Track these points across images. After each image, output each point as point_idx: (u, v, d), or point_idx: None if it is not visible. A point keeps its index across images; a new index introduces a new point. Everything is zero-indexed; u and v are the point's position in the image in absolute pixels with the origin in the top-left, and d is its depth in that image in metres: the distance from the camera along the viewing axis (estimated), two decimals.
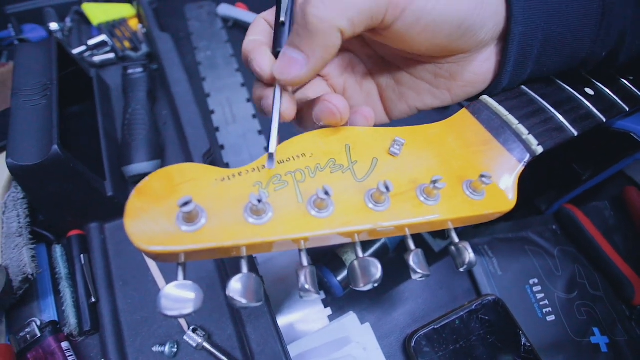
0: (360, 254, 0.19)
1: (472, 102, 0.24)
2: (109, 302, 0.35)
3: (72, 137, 0.40)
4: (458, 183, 0.21)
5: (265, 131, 0.51)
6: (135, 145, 0.42)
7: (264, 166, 0.19)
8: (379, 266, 0.19)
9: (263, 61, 0.20)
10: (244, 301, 0.17)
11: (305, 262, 0.19)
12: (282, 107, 0.20)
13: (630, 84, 0.27)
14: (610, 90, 0.26)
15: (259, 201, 0.17)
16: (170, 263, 0.18)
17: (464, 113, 0.24)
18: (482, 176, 0.19)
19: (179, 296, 0.16)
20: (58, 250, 0.37)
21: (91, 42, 0.54)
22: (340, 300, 0.37)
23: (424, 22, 0.19)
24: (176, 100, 0.43)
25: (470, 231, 0.41)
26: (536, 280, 0.37)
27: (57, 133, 0.32)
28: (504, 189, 0.21)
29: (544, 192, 0.42)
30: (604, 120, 0.24)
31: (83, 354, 0.34)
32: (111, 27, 0.57)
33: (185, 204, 0.16)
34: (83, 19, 0.59)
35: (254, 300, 0.17)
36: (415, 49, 0.21)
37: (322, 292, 0.38)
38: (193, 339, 0.33)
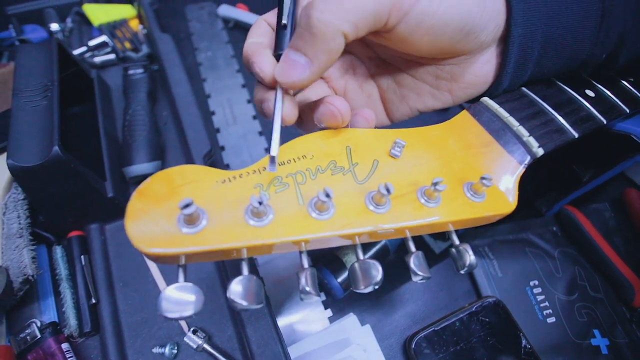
0: (361, 256, 0.19)
1: (472, 104, 0.24)
2: (109, 303, 0.35)
3: (73, 137, 0.40)
4: (459, 185, 0.21)
5: (266, 132, 0.51)
6: (136, 146, 0.42)
7: (264, 168, 0.19)
8: (380, 268, 0.19)
9: (264, 64, 0.20)
10: (244, 303, 0.17)
11: (305, 264, 0.19)
12: (283, 110, 0.20)
13: (631, 85, 0.27)
14: (611, 92, 0.26)
15: (260, 203, 0.17)
16: (170, 265, 0.18)
17: (464, 115, 0.24)
18: (482, 178, 0.19)
19: (180, 298, 0.16)
20: (58, 251, 0.37)
21: (92, 42, 0.54)
22: (341, 301, 0.37)
23: (427, 25, 0.19)
24: (177, 101, 0.43)
25: (470, 233, 0.41)
26: (536, 282, 0.37)
27: (58, 134, 0.32)
28: (504, 191, 0.21)
29: (545, 193, 0.42)
30: (605, 122, 0.24)
31: (83, 355, 0.33)
32: (112, 28, 0.57)
33: (186, 206, 0.16)
34: (84, 20, 0.59)
35: (254, 303, 0.17)
36: (418, 51, 0.21)
37: (322, 294, 0.38)
38: (193, 340, 0.33)
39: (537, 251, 0.39)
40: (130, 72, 0.49)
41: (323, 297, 0.38)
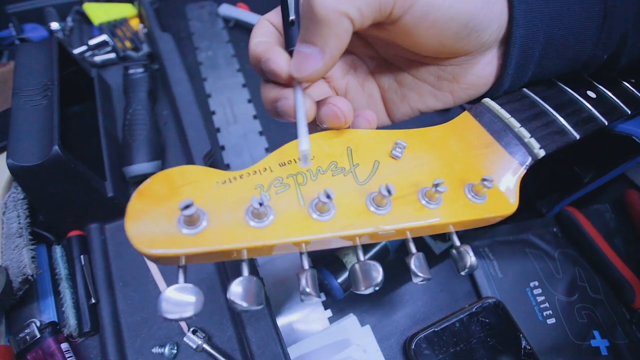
0: (362, 257, 0.19)
1: (474, 104, 0.24)
2: (109, 303, 0.35)
3: (73, 137, 0.40)
4: (460, 186, 0.20)
5: (266, 132, 0.51)
6: (136, 145, 0.42)
7: (265, 169, 0.19)
8: (380, 270, 0.18)
9: (280, 60, 0.20)
10: (244, 304, 0.17)
11: (306, 265, 0.19)
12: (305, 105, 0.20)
13: (632, 86, 0.27)
14: (612, 93, 0.26)
15: (261, 204, 0.17)
16: (170, 265, 0.18)
17: (465, 116, 0.24)
18: (484, 180, 0.19)
19: (180, 299, 0.16)
20: (58, 250, 0.37)
21: (92, 42, 0.54)
22: (341, 302, 0.37)
23: (432, 17, 0.19)
24: (177, 101, 0.43)
25: (470, 233, 0.41)
26: (537, 283, 0.37)
27: (58, 133, 0.32)
28: (505, 193, 0.21)
29: (545, 194, 0.42)
30: (606, 123, 0.24)
31: (83, 355, 0.33)
32: (112, 27, 0.57)
33: (187, 207, 0.16)
34: (84, 19, 0.59)
35: (254, 304, 0.17)
36: (421, 48, 0.21)
37: (322, 294, 0.38)
38: (193, 340, 0.33)
39: (538, 252, 0.39)
40: (131, 71, 0.49)
41: (323, 298, 0.38)
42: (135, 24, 0.59)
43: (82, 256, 0.37)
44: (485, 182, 0.19)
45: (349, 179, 0.20)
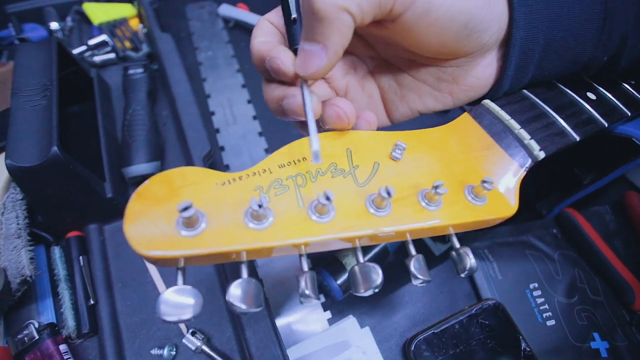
0: (361, 259, 0.19)
1: (474, 106, 0.24)
2: (108, 304, 0.35)
3: (72, 137, 0.40)
4: (460, 188, 0.20)
5: (266, 133, 0.51)
6: (135, 146, 0.42)
7: (264, 170, 0.19)
8: (380, 272, 0.18)
9: (286, 58, 0.20)
10: (243, 307, 0.17)
11: (305, 267, 0.19)
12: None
13: (632, 88, 0.27)
14: (612, 95, 0.26)
15: (260, 206, 0.17)
16: (169, 267, 0.18)
17: (465, 117, 0.24)
18: (484, 182, 0.19)
19: (178, 302, 0.16)
20: (57, 251, 0.37)
21: (92, 42, 0.54)
22: (340, 303, 0.37)
23: (433, 15, 0.19)
24: (177, 101, 0.43)
25: (470, 235, 0.41)
26: (536, 285, 0.37)
27: (57, 134, 0.32)
28: (505, 195, 0.21)
29: (545, 196, 0.42)
30: (606, 125, 0.24)
31: (81, 357, 0.33)
32: (112, 27, 0.57)
33: (185, 209, 0.16)
34: (84, 19, 0.59)
35: (253, 306, 0.17)
36: (421, 47, 0.21)
37: (321, 296, 0.38)
38: (192, 342, 0.32)
39: (537, 254, 0.39)
40: (130, 71, 0.49)
41: (322, 299, 0.37)
42: (135, 24, 0.59)
43: (80, 257, 0.36)
44: (485, 184, 0.19)
45: (348, 180, 0.20)
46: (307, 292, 0.18)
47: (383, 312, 0.37)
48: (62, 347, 0.32)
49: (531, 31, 0.21)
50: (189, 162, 0.38)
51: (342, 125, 0.21)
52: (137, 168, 0.41)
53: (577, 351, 0.34)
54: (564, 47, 0.22)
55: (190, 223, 0.17)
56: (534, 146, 0.21)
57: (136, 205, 0.17)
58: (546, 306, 0.36)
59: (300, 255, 0.19)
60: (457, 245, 0.20)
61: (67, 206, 0.36)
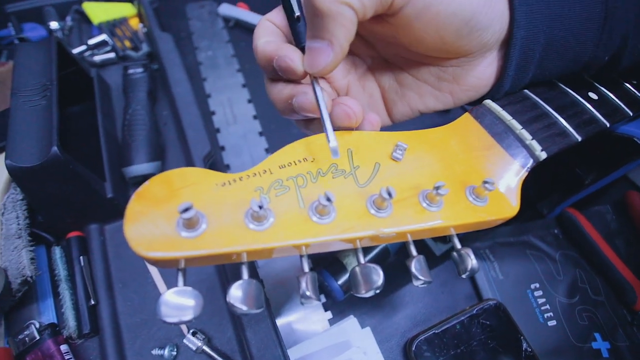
0: (362, 260, 0.19)
1: (475, 106, 0.24)
2: (109, 304, 0.35)
3: (72, 137, 0.40)
4: (461, 189, 0.20)
5: (266, 132, 0.50)
6: (136, 146, 0.42)
7: (265, 171, 0.19)
8: (381, 273, 0.18)
9: (294, 56, 0.20)
10: (244, 308, 0.16)
11: (306, 268, 0.19)
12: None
13: (634, 88, 0.27)
14: (614, 95, 0.26)
15: (260, 207, 0.17)
16: (170, 268, 0.18)
17: (466, 117, 0.23)
18: (485, 182, 0.19)
19: (179, 303, 0.16)
20: (57, 252, 0.36)
21: (91, 41, 0.54)
22: (341, 304, 0.37)
23: (433, 10, 0.19)
24: (177, 101, 0.42)
25: (471, 235, 0.40)
26: (537, 285, 0.37)
27: (57, 134, 0.31)
28: (507, 195, 0.21)
29: (546, 195, 0.42)
30: (608, 125, 0.24)
31: (82, 357, 0.33)
32: (112, 27, 0.57)
33: (186, 210, 0.16)
34: (83, 18, 0.59)
35: (254, 307, 0.17)
36: (422, 45, 0.21)
37: (322, 296, 0.37)
38: (193, 342, 0.32)
39: (538, 254, 0.39)
40: (130, 71, 0.49)
41: (323, 300, 0.37)
42: (135, 23, 0.59)
43: (81, 257, 0.36)
44: (487, 185, 0.19)
45: (349, 181, 0.20)
46: (308, 293, 0.18)
47: (384, 313, 0.37)
48: (63, 348, 0.32)
49: (532, 30, 0.21)
50: (190, 161, 0.38)
51: (349, 123, 0.21)
52: (138, 168, 0.41)
53: (578, 351, 0.34)
54: (565, 47, 0.22)
55: (190, 224, 0.17)
56: (536, 147, 0.21)
57: (136, 206, 0.17)
58: (547, 306, 0.36)
59: (301, 256, 0.19)
60: (458, 245, 0.20)
61: (68, 206, 0.36)
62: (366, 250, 0.37)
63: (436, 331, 0.33)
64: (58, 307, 0.35)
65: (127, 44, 0.56)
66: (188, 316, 0.16)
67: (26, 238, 0.34)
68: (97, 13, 0.58)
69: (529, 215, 0.42)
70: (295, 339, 0.35)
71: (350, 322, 0.35)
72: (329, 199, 0.17)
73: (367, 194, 0.19)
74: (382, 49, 0.25)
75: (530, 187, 0.23)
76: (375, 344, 0.34)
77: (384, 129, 0.23)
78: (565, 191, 0.39)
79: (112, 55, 0.55)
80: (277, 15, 0.22)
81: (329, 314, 0.37)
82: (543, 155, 0.21)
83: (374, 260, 0.36)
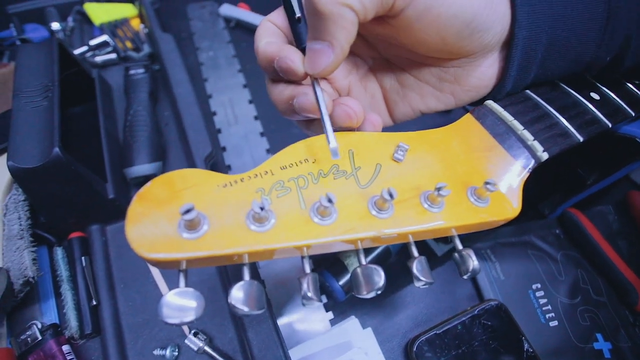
0: (363, 261, 0.19)
1: (476, 107, 0.24)
2: (110, 304, 0.35)
3: (74, 137, 0.40)
4: (462, 190, 0.20)
5: (268, 133, 0.50)
6: (137, 146, 0.42)
7: (266, 172, 0.19)
8: (382, 274, 0.18)
9: (295, 58, 0.20)
10: (245, 309, 0.17)
11: (307, 269, 0.19)
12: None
13: (636, 88, 0.27)
14: (616, 95, 0.26)
15: (262, 209, 0.17)
16: (172, 269, 0.18)
17: (468, 118, 0.23)
18: (486, 183, 0.19)
19: (180, 304, 0.16)
20: (59, 252, 0.37)
21: (93, 42, 0.54)
22: (342, 304, 0.37)
23: (435, 12, 0.19)
24: (178, 102, 0.43)
25: (472, 235, 0.40)
26: (539, 285, 0.37)
27: (59, 135, 0.32)
28: (508, 196, 0.21)
29: (548, 196, 0.42)
30: (610, 125, 0.24)
31: (84, 357, 0.33)
32: (113, 27, 0.57)
33: (187, 211, 0.16)
34: (85, 19, 0.59)
35: (255, 308, 0.17)
36: (423, 46, 0.21)
37: (323, 296, 0.37)
38: (194, 342, 0.33)
39: (540, 254, 0.39)
40: (132, 72, 0.49)
41: (324, 300, 0.37)
42: (136, 24, 0.59)
43: (83, 258, 0.36)
44: (488, 186, 0.19)
45: (350, 182, 0.20)
46: (309, 294, 0.18)
47: (385, 313, 0.37)
48: (65, 348, 0.32)
49: (534, 31, 0.21)
50: (191, 162, 0.38)
51: (350, 124, 0.21)
52: (139, 169, 0.41)
53: (580, 352, 0.34)
54: (567, 47, 0.22)
55: (192, 225, 0.17)
56: (538, 147, 0.21)
57: (138, 207, 0.17)
58: (549, 307, 0.36)
59: (302, 257, 0.19)
60: (460, 246, 0.20)
61: (69, 207, 0.36)
62: (367, 250, 0.37)
63: (437, 332, 0.33)
64: (60, 307, 0.35)
65: (129, 44, 0.56)
66: (189, 317, 0.16)
67: (28, 239, 0.34)
68: (99, 14, 0.58)
69: (530, 216, 0.42)
70: (297, 339, 0.35)
71: (352, 323, 0.35)
72: (330, 200, 0.17)
73: (369, 195, 0.19)
74: (384, 50, 0.25)
75: (532, 187, 0.23)
76: (377, 345, 0.34)
77: (385, 129, 0.23)
78: (567, 191, 0.39)
79: (113, 55, 0.55)
80: (278, 16, 0.22)
81: (330, 315, 0.37)
82: (545, 156, 0.21)
83: (375, 261, 0.36)
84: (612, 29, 0.22)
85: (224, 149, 0.49)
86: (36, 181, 0.31)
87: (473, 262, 0.20)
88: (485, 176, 0.21)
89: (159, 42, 0.49)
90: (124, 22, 0.58)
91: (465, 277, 0.20)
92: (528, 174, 0.21)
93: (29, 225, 0.35)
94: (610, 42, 0.22)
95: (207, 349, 0.33)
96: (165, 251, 0.16)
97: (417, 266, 0.19)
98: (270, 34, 0.22)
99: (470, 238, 0.40)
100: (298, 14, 0.21)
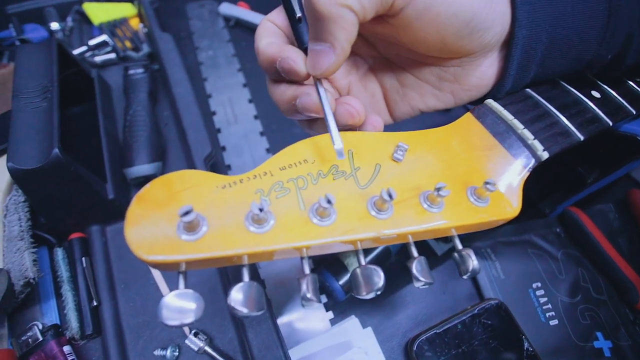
0: (363, 262, 0.19)
1: (476, 105, 0.24)
2: (111, 305, 0.35)
3: (73, 138, 0.40)
4: (462, 189, 0.20)
5: (267, 132, 0.50)
6: (137, 146, 0.42)
7: (265, 173, 0.19)
8: (382, 274, 0.18)
9: (297, 58, 0.20)
10: (245, 310, 0.16)
11: (307, 269, 0.19)
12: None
13: (637, 86, 0.27)
14: (617, 93, 0.26)
15: (261, 210, 0.16)
16: (171, 271, 0.18)
17: (468, 117, 0.23)
18: (486, 183, 0.19)
19: (180, 306, 0.16)
20: (59, 253, 0.37)
21: (92, 42, 0.54)
22: (342, 304, 0.37)
23: (434, 11, 0.19)
24: (177, 102, 0.42)
25: (472, 234, 0.40)
26: (539, 284, 0.37)
27: (58, 136, 0.32)
28: (508, 196, 0.21)
29: (548, 194, 0.42)
30: (611, 124, 0.24)
31: (85, 358, 0.33)
32: (112, 27, 0.57)
33: (186, 213, 0.16)
34: (84, 19, 0.59)
35: (255, 310, 0.17)
36: (423, 45, 0.21)
37: (323, 296, 0.37)
38: (194, 343, 0.33)
39: (540, 253, 0.39)
40: (131, 71, 0.49)
41: (324, 300, 0.37)
42: (135, 23, 0.59)
43: (83, 258, 0.37)
44: (488, 186, 0.19)
45: (350, 182, 0.20)
46: (308, 295, 0.18)
47: (385, 313, 0.37)
48: (66, 348, 0.32)
49: (534, 30, 0.21)
50: (191, 162, 0.38)
51: (353, 123, 0.21)
52: (139, 169, 0.41)
53: (580, 351, 0.34)
54: (568, 45, 0.22)
55: (191, 227, 0.17)
56: (538, 146, 0.21)
57: (137, 209, 0.17)
58: (549, 305, 0.36)
59: (302, 258, 0.19)
60: (460, 246, 0.20)
61: (69, 208, 0.36)
62: (367, 250, 0.37)
63: (437, 331, 0.33)
64: (61, 308, 0.35)
65: (128, 44, 0.56)
66: (189, 319, 0.16)
67: (28, 240, 0.34)
68: (98, 13, 0.58)
69: (530, 214, 0.42)
70: (297, 339, 0.35)
71: (352, 322, 0.35)
72: (329, 201, 0.17)
73: (368, 196, 0.19)
74: (384, 49, 0.25)
75: (532, 186, 0.23)
76: (377, 344, 0.35)
77: (385, 128, 0.23)
78: (567, 190, 0.39)
79: (112, 55, 0.55)
80: (278, 15, 0.22)
81: (330, 314, 0.37)
82: (545, 155, 0.21)
83: (375, 261, 0.36)
84: (613, 26, 0.22)
85: (223, 148, 0.49)
86: (36, 182, 0.31)
87: (473, 262, 0.20)
88: (486, 175, 0.21)
89: (158, 42, 0.49)
90: (123, 21, 0.58)
91: (465, 277, 0.20)
92: (528, 173, 0.21)
93: (29, 226, 0.35)
94: (611, 40, 0.22)
95: (207, 349, 0.33)
96: (164, 253, 0.16)
97: (417, 266, 0.19)
98: (271, 34, 0.22)
99: (470, 237, 0.40)
100: (299, 14, 0.21)
